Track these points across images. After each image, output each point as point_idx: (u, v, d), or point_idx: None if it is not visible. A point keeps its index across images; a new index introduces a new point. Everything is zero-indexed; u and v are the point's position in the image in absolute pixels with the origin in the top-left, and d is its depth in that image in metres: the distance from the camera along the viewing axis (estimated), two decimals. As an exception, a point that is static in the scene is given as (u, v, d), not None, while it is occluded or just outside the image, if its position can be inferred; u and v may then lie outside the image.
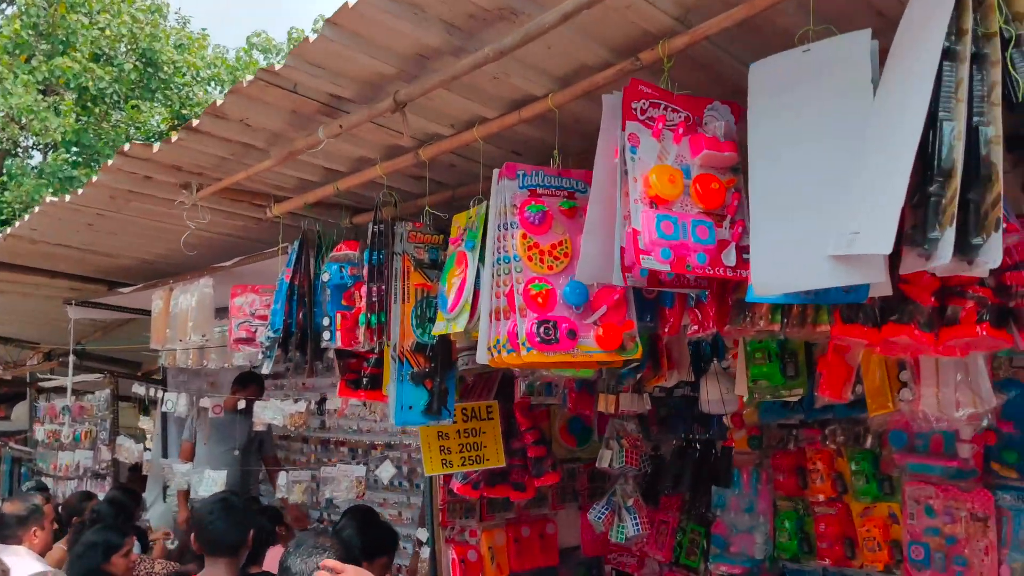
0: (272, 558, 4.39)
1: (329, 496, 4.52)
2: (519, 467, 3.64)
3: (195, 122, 3.01)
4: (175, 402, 5.49)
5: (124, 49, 15.59)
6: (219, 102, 2.85)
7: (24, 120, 14.73)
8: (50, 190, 14.76)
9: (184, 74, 16.33)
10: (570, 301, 2.44)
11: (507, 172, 2.56)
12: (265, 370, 3.39)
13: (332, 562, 2.30)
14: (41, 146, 18.44)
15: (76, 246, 4.99)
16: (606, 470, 3.46)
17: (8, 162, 18.95)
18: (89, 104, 15.75)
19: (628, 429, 3.37)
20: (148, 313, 6.19)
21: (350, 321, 3.10)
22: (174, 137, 3.18)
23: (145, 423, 7.79)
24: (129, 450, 5.80)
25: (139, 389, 5.81)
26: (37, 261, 5.57)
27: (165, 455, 6.17)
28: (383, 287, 2.97)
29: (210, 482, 5.11)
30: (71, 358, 5.75)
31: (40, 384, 7.68)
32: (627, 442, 3.34)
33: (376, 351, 3.36)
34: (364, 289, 2.98)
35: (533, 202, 2.52)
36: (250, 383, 5.76)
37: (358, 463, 5.07)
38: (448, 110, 2.76)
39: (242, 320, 3.53)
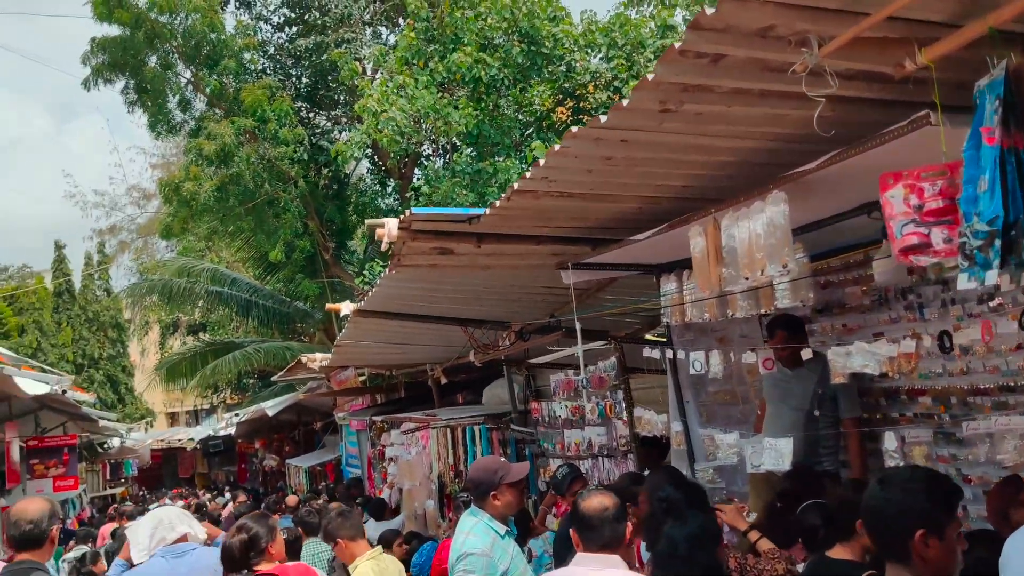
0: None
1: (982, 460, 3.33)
2: None
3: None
4: (704, 362, 4.65)
5: (505, 33, 15.70)
6: None
7: (425, 123, 15.35)
8: (463, 188, 15.27)
9: (564, 45, 16.09)
10: None
11: None
12: (968, 284, 2.28)
13: None
14: (440, 150, 19.50)
15: (581, 192, 4.32)
16: None
17: (419, 171, 20.33)
18: (484, 96, 16.09)
19: None
20: (642, 270, 5.53)
21: None
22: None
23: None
24: (651, 422, 5.12)
25: (652, 353, 5.09)
26: (526, 225, 5.08)
27: (684, 423, 5.40)
28: None
29: (773, 452, 4.18)
30: (578, 326, 5.18)
31: (529, 361, 7.45)
32: None
33: None
34: None
35: None
36: (787, 327, 4.77)
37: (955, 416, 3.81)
38: None
39: (906, 220, 2.46)
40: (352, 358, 10.49)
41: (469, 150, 16.89)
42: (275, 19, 21.18)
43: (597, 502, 3.24)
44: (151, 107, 19.57)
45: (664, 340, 5.66)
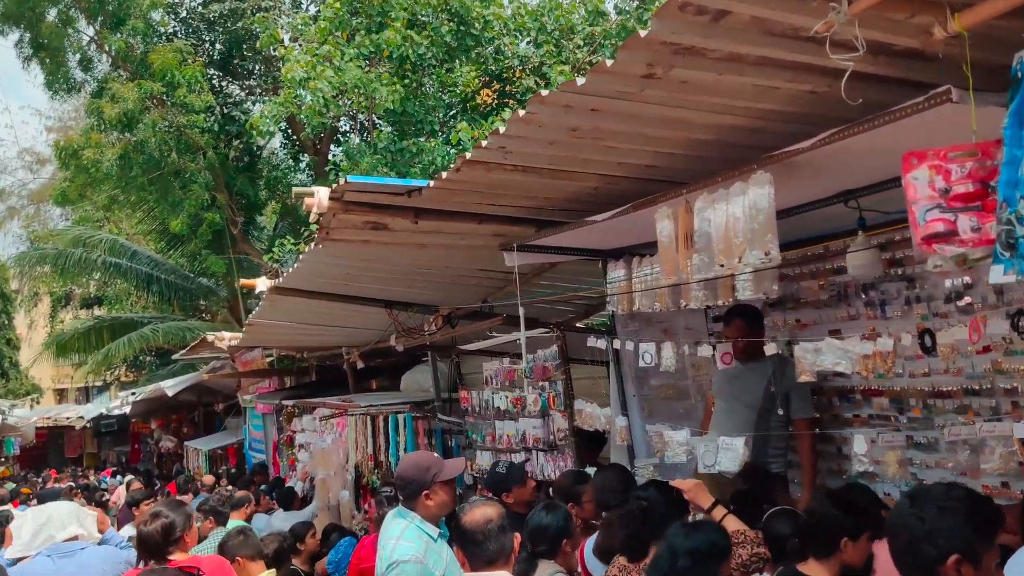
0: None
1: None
2: None
3: None
4: (655, 354, 4.40)
5: (434, 11, 15.23)
6: None
7: (348, 97, 14.73)
8: (384, 165, 14.76)
9: (493, 27, 15.74)
10: None
11: None
12: (1004, 278, 2.04)
13: None
14: (358, 127, 18.89)
15: (537, 167, 3.99)
16: None
17: (338, 148, 19.65)
18: (408, 73, 15.60)
19: None
20: (588, 255, 5.25)
21: None
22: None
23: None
24: (592, 416, 4.83)
25: (598, 342, 4.82)
26: (470, 201, 4.72)
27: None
28: None
29: (728, 452, 3.96)
30: (521, 312, 4.85)
31: (460, 348, 7.08)
32: None
33: None
34: None
35: None
36: (744, 316, 4.56)
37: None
38: None
39: (931, 205, 2.21)
40: (264, 338, 9.93)
41: (389, 128, 16.37)
42: (188, -20, 20.09)
43: (479, 514, 2.99)
44: (49, 64, 18.32)
45: (605, 329, 5.40)
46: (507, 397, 5.51)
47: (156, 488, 14.47)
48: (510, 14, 16.33)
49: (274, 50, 19.21)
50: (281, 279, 6.61)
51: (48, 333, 29.88)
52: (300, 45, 15.14)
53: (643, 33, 2.57)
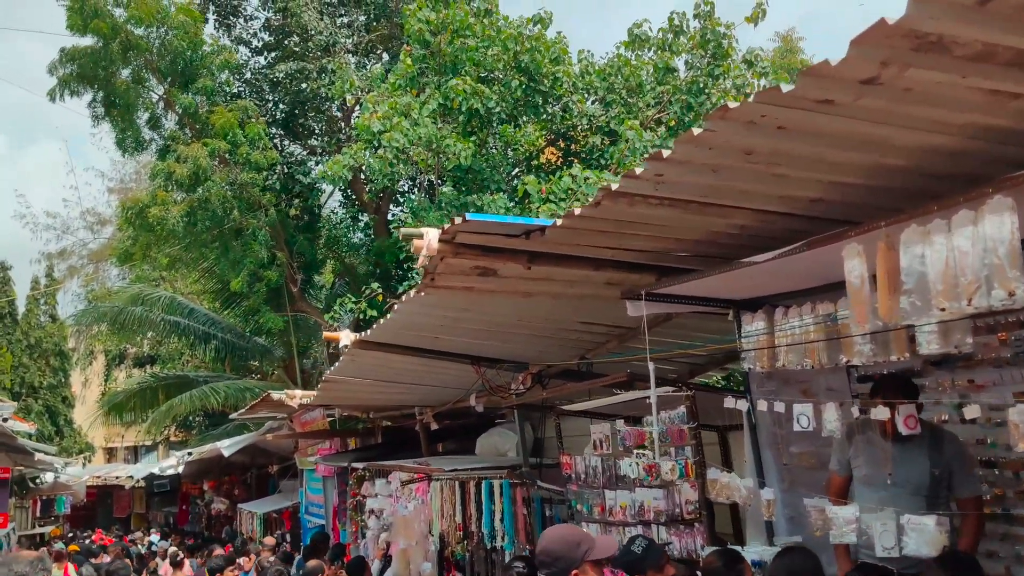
0: None
1: None
2: None
3: None
4: (811, 417, 3.85)
5: (504, 67, 15.09)
6: None
7: (414, 154, 14.51)
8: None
9: (562, 85, 15.55)
10: None
11: None
12: None
13: None
14: (417, 186, 18.72)
15: (686, 199, 3.52)
16: None
17: (399, 207, 19.52)
18: (476, 129, 15.44)
19: None
20: (719, 305, 4.75)
21: None
22: None
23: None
24: (729, 487, 4.26)
25: (736, 403, 4.28)
26: (593, 244, 4.27)
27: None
28: None
29: (917, 535, 3.37)
30: (650, 366, 4.34)
31: (561, 407, 6.54)
32: None
33: None
34: None
35: None
36: (895, 386, 4.01)
37: None
38: None
39: None
40: (338, 396, 9.46)
41: (449, 187, 16.13)
42: (255, 43, 20.37)
43: None
44: (119, 122, 18.50)
45: (740, 389, 4.86)
46: (638, 464, 4.93)
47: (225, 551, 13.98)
48: (578, 72, 16.15)
49: (337, 109, 19.28)
50: (369, 332, 6.18)
51: (102, 392, 29.92)
52: (378, 95, 14.98)
53: (891, 21, 2.12)
